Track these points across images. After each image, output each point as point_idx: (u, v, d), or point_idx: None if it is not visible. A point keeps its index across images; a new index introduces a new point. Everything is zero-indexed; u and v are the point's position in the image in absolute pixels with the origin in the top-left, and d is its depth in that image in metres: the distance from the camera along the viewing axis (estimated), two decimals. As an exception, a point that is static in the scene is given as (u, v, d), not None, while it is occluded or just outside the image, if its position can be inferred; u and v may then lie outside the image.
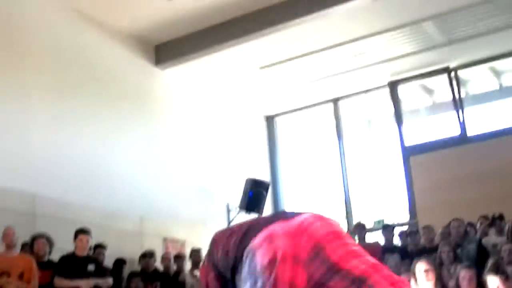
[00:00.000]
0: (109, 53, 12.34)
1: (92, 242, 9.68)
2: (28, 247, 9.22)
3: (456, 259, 9.23)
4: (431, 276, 7.26)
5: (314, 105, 16.58)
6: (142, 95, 12.94)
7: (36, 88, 10.65)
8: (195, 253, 11.28)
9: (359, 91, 15.98)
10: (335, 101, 16.37)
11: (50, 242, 9.30)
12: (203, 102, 14.52)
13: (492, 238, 10.50)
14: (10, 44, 10.44)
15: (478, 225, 11.08)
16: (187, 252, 11.75)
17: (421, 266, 7.32)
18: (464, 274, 7.69)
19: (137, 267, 11.08)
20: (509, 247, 9.09)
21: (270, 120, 17.08)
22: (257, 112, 16.52)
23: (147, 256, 11.02)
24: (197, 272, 10.27)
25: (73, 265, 8.94)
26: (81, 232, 9.16)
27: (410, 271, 8.05)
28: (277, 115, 17.10)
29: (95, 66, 11.88)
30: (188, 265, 11.48)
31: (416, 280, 7.32)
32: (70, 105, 11.09)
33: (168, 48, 13.45)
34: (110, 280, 9.23)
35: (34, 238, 9.28)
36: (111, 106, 12.01)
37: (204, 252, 11.06)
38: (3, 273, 8.61)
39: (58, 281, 8.85)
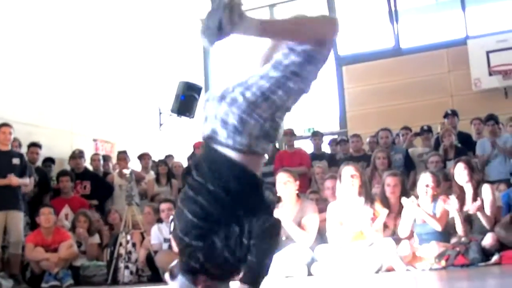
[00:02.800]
0: None
1: (18, 138, 9.57)
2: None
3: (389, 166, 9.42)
4: (357, 180, 7.39)
5: (251, 9, 16.40)
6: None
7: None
8: (121, 154, 11.24)
9: (296, -3, 15.84)
10: (271, 6, 16.22)
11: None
12: (138, 4, 14.18)
13: (418, 149, 10.75)
14: None
15: (400, 136, 11.33)
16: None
17: (347, 170, 7.43)
18: (389, 181, 7.87)
19: (66, 167, 11.02)
20: (436, 158, 9.31)
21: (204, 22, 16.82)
22: (193, 15, 16.26)
23: (77, 156, 10.95)
24: (125, 171, 10.27)
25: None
26: (2, 125, 8.95)
27: (331, 177, 8.25)
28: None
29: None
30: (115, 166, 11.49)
31: (341, 183, 7.44)
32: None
33: None
34: (27, 180, 9.10)
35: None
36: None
37: (130, 154, 11.14)
38: None
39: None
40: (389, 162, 9.48)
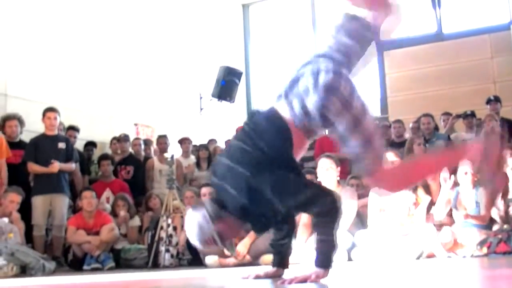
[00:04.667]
0: None
1: (63, 122, 9.69)
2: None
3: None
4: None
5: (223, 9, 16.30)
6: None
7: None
8: (162, 139, 11.30)
9: (337, -18, 15.74)
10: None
11: (21, 122, 9.28)
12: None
13: (460, 134, 10.64)
14: None
15: (441, 122, 11.22)
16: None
17: (391, 156, 7.38)
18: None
19: (107, 151, 11.12)
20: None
21: (245, 7, 16.84)
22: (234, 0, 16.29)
23: (122, 140, 11.03)
24: (166, 156, 10.32)
25: (43, 145, 8.93)
26: (48, 110, 9.07)
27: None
28: (252, 3, 16.86)
29: None
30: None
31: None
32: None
33: None
34: (72, 165, 9.25)
35: (5, 119, 9.24)
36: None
37: (170, 138, 11.16)
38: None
39: (31, 166, 8.88)
40: (426, 148, 9.42)
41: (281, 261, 4.16)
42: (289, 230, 4.17)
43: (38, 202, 8.74)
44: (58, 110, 9.11)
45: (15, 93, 10.03)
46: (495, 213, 7.22)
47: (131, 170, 10.71)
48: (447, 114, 11.36)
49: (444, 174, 7.26)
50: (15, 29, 10.22)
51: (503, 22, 13.90)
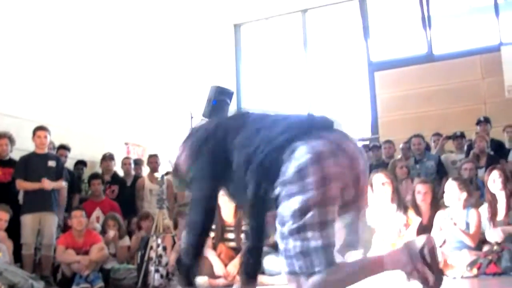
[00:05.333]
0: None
1: (53, 141, 9.68)
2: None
3: (410, 174, 9.39)
4: (388, 188, 7.35)
5: (282, 14, 16.42)
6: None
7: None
8: (152, 158, 11.28)
9: (329, 3, 15.83)
10: (304, 11, 16.22)
11: (11, 141, 9.26)
12: (172, 7, 14.23)
13: (451, 155, 10.68)
14: None
15: (432, 143, 11.27)
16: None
17: (378, 178, 7.39)
18: (420, 189, 7.83)
19: (98, 170, 11.09)
20: (470, 165, 9.21)
21: (237, 27, 16.90)
22: (226, 19, 16.31)
23: (107, 158, 11.01)
24: (156, 175, 10.27)
25: (33, 163, 8.90)
26: (38, 128, 9.05)
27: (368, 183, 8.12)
28: (244, 23, 16.91)
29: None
30: (147, 170, 11.50)
31: (373, 191, 7.40)
32: None
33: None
34: (63, 184, 9.21)
35: (-5, 138, 9.23)
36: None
37: (161, 158, 11.12)
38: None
39: (19, 183, 8.83)
40: (408, 170, 9.47)
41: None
42: None
43: (27, 220, 8.69)
44: (48, 129, 9.08)
45: (5, 111, 9.99)
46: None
47: (115, 190, 10.71)
48: (437, 134, 11.44)
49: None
50: (6, 47, 10.21)
51: (494, 43, 13.98)
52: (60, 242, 8.69)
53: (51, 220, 8.85)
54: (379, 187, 7.35)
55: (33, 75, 10.60)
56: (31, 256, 8.75)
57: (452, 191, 7.41)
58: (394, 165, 9.66)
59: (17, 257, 8.53)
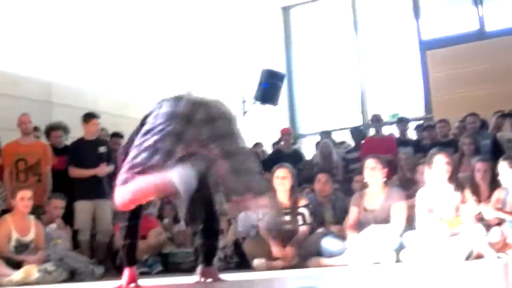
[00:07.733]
0: None
1: (103, 128, 9.81)
2: (45, 136, 9.32)
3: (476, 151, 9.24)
4: (449, 168, 7.25)
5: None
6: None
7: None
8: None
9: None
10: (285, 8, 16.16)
11: (66, 130, 9.37)
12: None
13: (506, 134, 10.49)
14: None
15: (493, 121, 11.06)
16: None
17: (441, 158, 7.27)
18: (480, 167, 7.73)
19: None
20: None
21: (286, 10, 16.84)
22: (273, 2, 16.26)
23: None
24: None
25: (83, 149, 9.00)
26: (88, 116, 9.14)
27: (424, 163, 8.04)
28: (293, 5, 16.84)
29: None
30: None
31: (431, 170, 7.30)
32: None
33: None
34: (107, 168, 9.09)
35: (50, 129, 9.35)
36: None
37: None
38: (20, 159, 8.73)
39: (72, 171, 8.95)
40: (476, 147, 9.29)
41: None
42: None
43: (81, 207, 8.82)
44: (98, 116, 9.17)
45: (59, 100, 10.12)
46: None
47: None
48: (498, 112, 11.17)
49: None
50: (61, 36, 10.34)
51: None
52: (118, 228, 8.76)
53: (106, 207, 8.83)
54: (440, 166, 7.24)
55: (87, 66, 10.72)
56: (88, 241, 8.87)
57: (504, 170, 7.30)
58: (462, 142, 9.47)
59: (74, 243, 8.64)
